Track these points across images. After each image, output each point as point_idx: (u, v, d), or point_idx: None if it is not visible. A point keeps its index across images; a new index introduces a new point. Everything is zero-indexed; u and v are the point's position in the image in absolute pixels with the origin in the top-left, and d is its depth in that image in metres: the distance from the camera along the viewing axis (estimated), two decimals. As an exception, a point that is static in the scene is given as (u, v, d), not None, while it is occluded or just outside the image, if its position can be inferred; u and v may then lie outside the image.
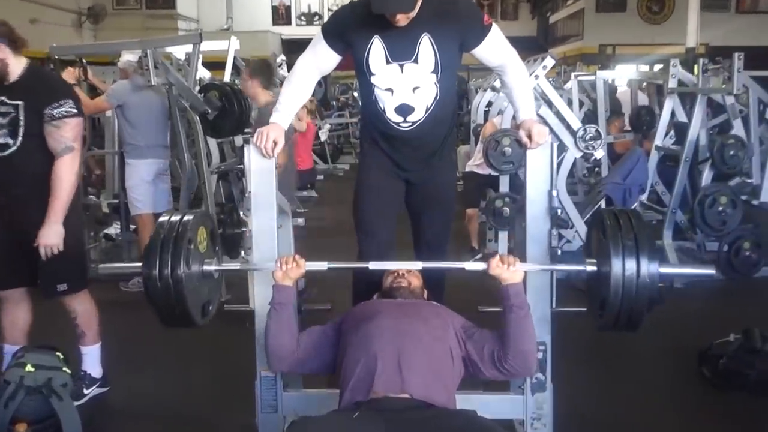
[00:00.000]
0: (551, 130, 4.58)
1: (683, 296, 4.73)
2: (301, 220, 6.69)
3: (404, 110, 2.64)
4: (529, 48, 11.51)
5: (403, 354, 2.10)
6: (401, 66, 2.58)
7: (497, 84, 6.42)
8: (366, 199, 2.88)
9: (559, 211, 2.46)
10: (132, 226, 5.39)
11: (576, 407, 2.89)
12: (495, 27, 2.61)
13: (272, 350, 2.32)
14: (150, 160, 4.82)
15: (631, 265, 2.03)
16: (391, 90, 2.62)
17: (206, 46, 5.14)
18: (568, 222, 5.09)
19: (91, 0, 16.33)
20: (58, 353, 2.96)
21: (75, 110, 2.87)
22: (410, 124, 2.67)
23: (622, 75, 7.21)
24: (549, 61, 4.85)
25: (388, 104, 2.65)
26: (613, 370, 3.61)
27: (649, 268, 2.03)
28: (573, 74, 7.33)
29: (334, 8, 18.12)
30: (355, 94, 13.18)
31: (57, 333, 3.24)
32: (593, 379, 3.44)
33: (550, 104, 5.09)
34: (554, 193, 2.48)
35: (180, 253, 2.13)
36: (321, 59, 2.67)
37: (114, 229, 5.68)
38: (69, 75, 4.87)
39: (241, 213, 2.57)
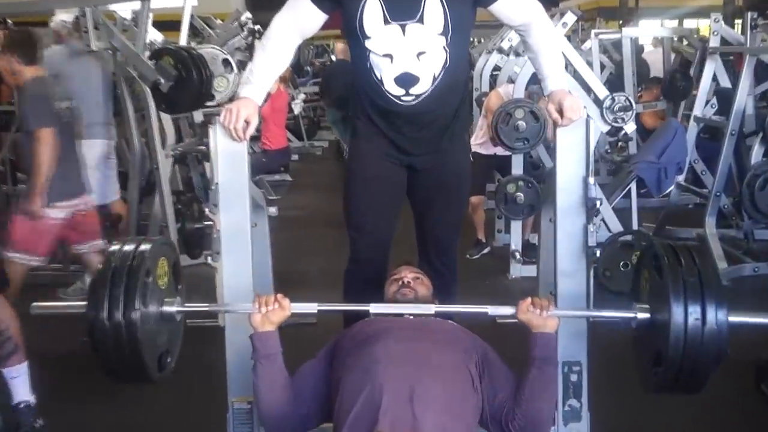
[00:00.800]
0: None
1: (733, 296, 4.64)
2: (273, 210, 6.59)
3: (407, 81, 2.56)
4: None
5: (417, 387, 1.99)
6: (403, 27, 2.50)
7: (505, 45, 6.33)
8: (360, 191, 2.80)
9: (598, 202, 2.36)
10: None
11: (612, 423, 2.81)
12: None
13: (265, 411, 2.20)
14: (92, 141, 4.67)
15: (695, 310, 1.94)
16: (390, 56, 2.54)
17: (157, 2, 5.02)
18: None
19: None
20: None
21: None
22: (414, 97, 2.59)
23: (652, 33, 7.12)
24: (569, 17, 4.77)
25: (386, 74, 2.57)
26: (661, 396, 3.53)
27: (718, 315, 1.95)
28: (593, 32, 7.24)
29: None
30: (333, 57, 13.02)
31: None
32: (636, 403, 3.34)
33: (568, 67, 4.99)
34: (591, 180, 2.40)
35: (135, 289, 2.03)
36: (302, 19, 2.57)
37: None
38: None
39: (206, 209, 2.45)
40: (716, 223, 5.26)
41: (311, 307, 2.25)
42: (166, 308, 2.20)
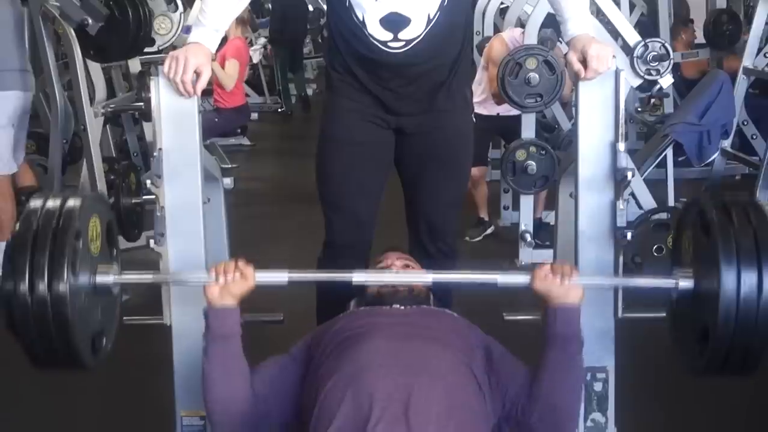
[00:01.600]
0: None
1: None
2: (228, 181, 6.58)
3: (395, 23, 2.56)
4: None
5: (413, 396, 2.00)
6: None
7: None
8: (336, 159, 2.82)
9: (630, 174, 2.38)
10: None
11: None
12: None
13: (218, 405, 2.21)
14: (8, 93, 4.64)
15: (751, 277, 1.94)
16: None
17: None
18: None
19: None
20: None
21: None
22: (403, 43, 2.59)
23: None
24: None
25: (369, 14, 2.56)
26: (697, 405, 3.57)
27: None
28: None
29: None
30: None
31: None
32: (672, 418, 3.40)
33: (592, 10, 5.01)
34: (621, 146, 2.43)
35: (63, 255, 2.01)
36: None
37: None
38: None
39: (146, 181, 2.45)
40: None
41: (280, 277, 2.28)
42: (101, 278, 2.19)
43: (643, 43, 4.65)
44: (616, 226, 2.43)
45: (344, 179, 2.81)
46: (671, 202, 5.64)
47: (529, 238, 5.24)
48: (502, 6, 6.93)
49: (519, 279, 2.28)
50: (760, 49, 5.66)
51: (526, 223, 5.32)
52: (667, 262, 4.60)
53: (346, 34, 2.65)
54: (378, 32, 2.57)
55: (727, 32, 6.75)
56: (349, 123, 2.77)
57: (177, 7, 5.28)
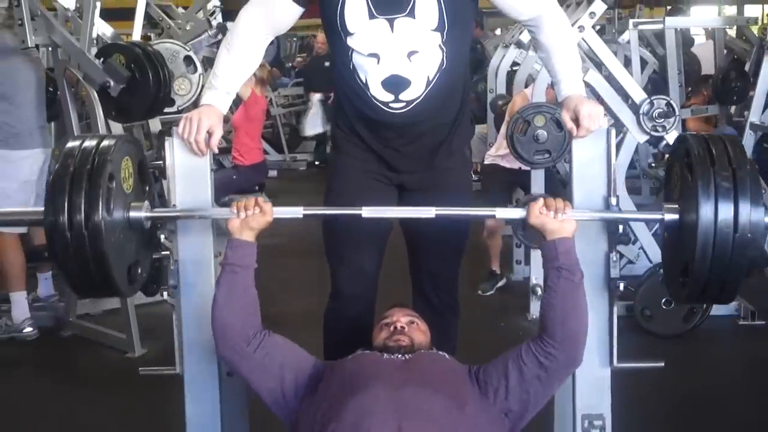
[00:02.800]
0: (603, 105, 4.58)
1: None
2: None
3: (396, 84, 2.64)
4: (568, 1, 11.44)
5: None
6: (391, 22, 2.58)
7: (524, 38, 6.45)
8: None
9: (621, 227, 2.45)
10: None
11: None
12: None
13: (219, 329, 2.36)
14: (35, 150, 4.81)
15: (726, 210, 2.11)
16: (376, 56, 2.62)
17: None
18: (629, 235, 5.10)
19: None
20: None
21: None
22: (404, 104, 2.67)
23: (701, 22, 7.26)
24: (598, 6, 4.84)
25: (372, 76, 2.65)
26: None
27: (753, 215, 2.11)
28: (631, 22, 7.36)
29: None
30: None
31: None
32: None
33: (599, 66, 5.10)
34: (613, 200, 2.49)
35: (98, 192, 2.18)
36: (274, 13, 2.68)
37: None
38: None
39: (161, 235, 2.55)
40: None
41: (296, 212, 2.48)
42: (134, 214, 2.36)
43: (648, 100, 4.73)
44: (610, 277, 2.49)
45: (349, 233, 2.85)
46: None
47: (539, 291, 5.27)
48: (514, 68, 7.02)
49: (515, 213, 2.48)
50: (767, 105, 5.72)
51: (537, 277, 5.35)
52: (677, 315, 4.69)
53: (351, 95, 2.73)
54: (380, 93, 2.65)
55: (735, 88, 6.81)
56: (353, 179, 2.84)
57: (196, 69, 5.35)
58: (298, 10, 2.66)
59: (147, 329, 4.59)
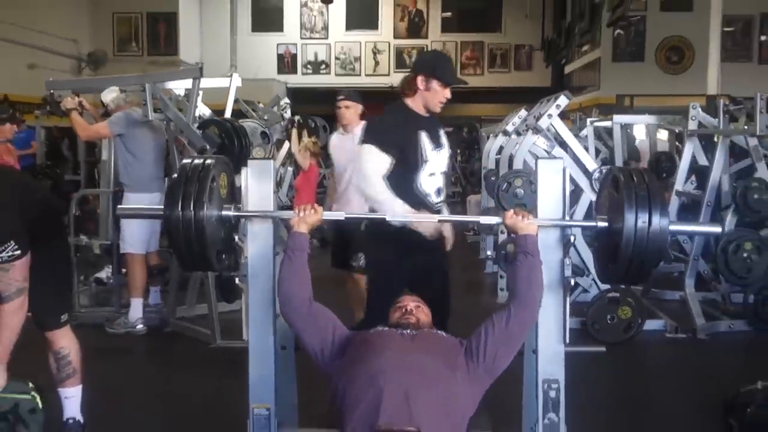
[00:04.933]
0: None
1: (708, 348, 4.68)
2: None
3: (439, 192, 3.08)
4: (541, 100, 11.60)
5: (411, 387, 2.10)
6: (439, 152, 3.04)
7: (509, 128, 6.52)
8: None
9: (572, 237, 2.45)
10: (123, 269, 5.37)
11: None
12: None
13: (284, 297, 2.40)
14: (153, 194, 4.88)
15: (643, 216, 2.21)
16: (434, 174, 3.03)
17: (207, 83, 5.25)
18: (584, 269, 5.07)
19: (92, 46, 16.70)
20: (29, 382, 2.89)
21: (20, 251, 2.74)
22: (441, 201, 3.10)
23: (639, 120, 7.29)
24: (563, 100, 4.93)
25: (431, 189, 3.04)
26: (634, 422, 3.53)
27: (661, 221, 2.22)
28: (588, 120, 7.40)
29: (342, 57, 18.37)
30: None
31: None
32: (612, 430, 3.37)
33: (564, 146, 5.15)
34: (567, 218, 2.49)
35: (204, 191, 2.27)
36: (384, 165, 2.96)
37: (105, 273, 5.67)
38: (69, 102, 4.94)
39: (236, 237, 2.57)
40: (696, 287, 5.27)
41: (339, 215, 2.68)
42: (225, 212, 2.43)
43: (599, 169, 4.78)
44: (564, 275, 2.46)
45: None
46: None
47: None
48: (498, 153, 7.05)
49: (494, 220, 2.59)
50: (688, 177, 5.72)
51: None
52: (618, 328, 4.64)
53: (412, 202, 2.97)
54: (434, 198, 3.08)
55: (665, 167, 6.82)
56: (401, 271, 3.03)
57: (269, 141, 5.47)
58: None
59: (224, 329, 4.60)
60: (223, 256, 2.47)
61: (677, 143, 7.35)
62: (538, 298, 2.34)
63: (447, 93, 3.02)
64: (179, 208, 2.25)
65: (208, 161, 2.37)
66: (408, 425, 2.01)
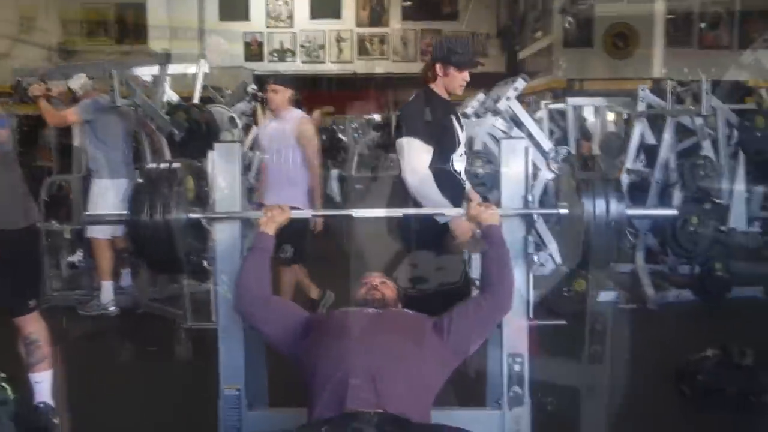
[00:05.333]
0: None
1: (659, 317, 4.69)
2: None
3: (462, 171, 3.12)
4: (498, 83, 11.53)
5: (377, 368, 2.00)
6: (463, 133, 3.08)
7: (468, 111, 6.41)
8: None
9: (535, 216, 2.39)
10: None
11: (553, 425, 2.80)
12: None
13: (240, 289, 2.29)
14: (120, 180, 4.71)
15: (601, 203, 2.19)
16: (462, 155, 3.05)
17: (176, 69, 5.09)
18: (541, 245, 5.03)
19: (61, 36, 16.24)
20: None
21: None
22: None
23: (592, 102, 7.26)
24: (521, 83, 4.84)
25: (461, 168, 3.06)
26: (592, 391, 3.50)
27: (618, 206, 2.21)
28: (543, 103, 7.36)
29: (306, 45, 18.10)
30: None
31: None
32: (570, 398, 3.33)
33: (520, 125, 5.07)
34: (529, 197, 2.42)
35: (170, 193, 2.19)
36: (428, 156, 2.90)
37: (77, 257, 5.47)
38: (36, 89, 4.74)
39: (203, 220, 2.45)
40: (646, 259, 5.30)
41: (307, 213, 2.74)
42: (192, 215, 2.32)
43: (554, 148, 4.70)
44: (527, 252, 2.42)
45: None
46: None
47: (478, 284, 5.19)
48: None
49: (459, 212, 2.55)
50: (636, 156, 5.70)
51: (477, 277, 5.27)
52: (574, 299, 4.62)
53: (447, 185, 2.93)
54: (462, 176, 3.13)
55: (614, 146, 6.80)
56: None
57: (236, 126, 5.31)
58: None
59: (197, 309, 4.47)
60: (192, 257, 2.36)
61: (625, 123, 7.35)
62: (511, 286, 2.28)
63: (465, 76, 3.02)
64: (146, 215, 2.15)
65: (173, 165, 2.28)
66: (374, 407, 1.92)
